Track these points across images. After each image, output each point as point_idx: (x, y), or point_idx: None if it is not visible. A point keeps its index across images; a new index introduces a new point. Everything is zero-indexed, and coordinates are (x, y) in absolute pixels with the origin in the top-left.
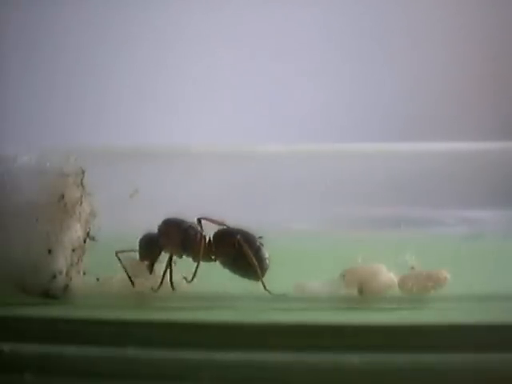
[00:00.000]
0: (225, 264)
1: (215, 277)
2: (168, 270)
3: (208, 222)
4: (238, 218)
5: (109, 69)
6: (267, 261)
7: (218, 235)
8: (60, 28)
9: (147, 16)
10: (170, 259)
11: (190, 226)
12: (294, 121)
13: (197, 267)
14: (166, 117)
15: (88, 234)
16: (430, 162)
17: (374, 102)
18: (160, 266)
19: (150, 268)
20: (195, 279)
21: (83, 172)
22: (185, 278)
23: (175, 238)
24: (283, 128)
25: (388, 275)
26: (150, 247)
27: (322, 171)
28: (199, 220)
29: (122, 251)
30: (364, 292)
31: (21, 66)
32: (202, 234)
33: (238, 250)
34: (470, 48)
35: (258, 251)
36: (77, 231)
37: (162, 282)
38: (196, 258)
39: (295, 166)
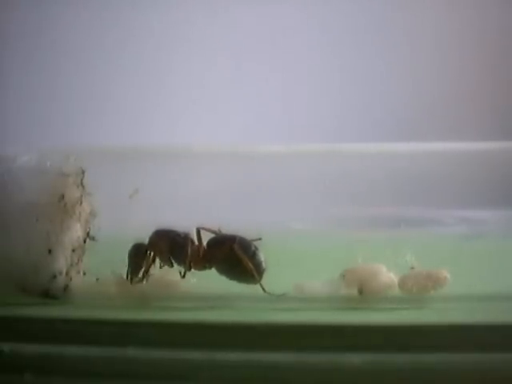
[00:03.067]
0: (221, 271)
1: (215, 277)
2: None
3: (205, 231)
4: (237, 218)
5: (109, 69)
6: (263, 264)
7: (212, 243)
8: (60, 28)
9: (148, 17)
10: (154, 257)
11: (179, 235)
12: (293, 121)
13: (185, 271)
14: (165, 117)
15: (88, 233)
16: (430, 162)
17: (374, 103)
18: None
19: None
20: (195, 279)
21: (83, 172)
22: (180, 272)
23: (165, 247)
24: (283, 128)
25: (388, 275)
26: (141, 258)
27: (322, 171)
28: (198, 230)
29: None
30: (364, 292)
31: (21, 66)
32: (193, 242)
33: (232, 256)
34: (468, 47)
35: (253, 255)
36: (77, 231)
37: (144, 275)
38: (188, 267)
39: (295, 166)
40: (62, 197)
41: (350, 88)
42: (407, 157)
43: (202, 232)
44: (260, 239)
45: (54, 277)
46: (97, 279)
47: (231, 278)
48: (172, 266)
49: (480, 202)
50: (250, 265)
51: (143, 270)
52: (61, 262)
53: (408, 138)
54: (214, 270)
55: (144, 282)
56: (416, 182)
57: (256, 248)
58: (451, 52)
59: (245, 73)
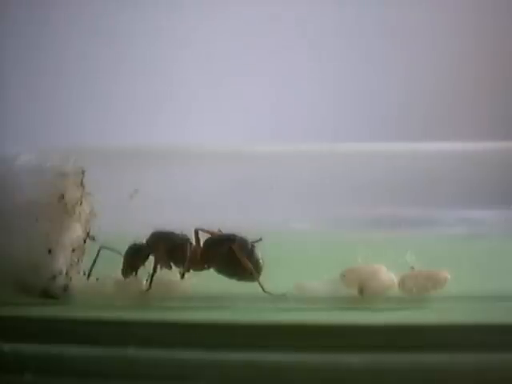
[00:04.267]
0: (220, 271)
1: (215, 277)
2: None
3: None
4: (237, 218)
5: (109, 69)
6: (261, 261)
7: (209, 243)
8: (61, 27)
9: (148, 16)
10: (156, 265)
11: (178, 236)
12: (293, 121)
13: (184, 272)
14: (166, 117)
15: (88, 233)
16: (430, 161)
17: (373, 103)
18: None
19: (130, 274)
20: (195, 279)
21: (83, 172)
22: (179, 272)
23: (165, 250)
24: (283, 128)
25: (388, 275)
26: (137, 259)
27: (322, 171)
28: (196, 231)
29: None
30: (364, 292)
31: (21, 66)
32: (191, 244)
33: (231, 256)
34: (468, 47)
35: (250, 253)
36: (77, 231)
37: (151, 283)
38: (187, 268)
39: (295, 166)
40: (62, 197)
41: (349, 88)
42: (407, 157)
43: (200, 233)
44: (260, 239)
45: (54, 277)
46: (97, 279)
47: (230, 277)
48: (171, 268)
49: (480, 202)
50: (249, 264)
51: (150, 275)
52: (61, 262)
53: (408, 137)
54: (213, 270)
55: (149, 287)
56: (416, 182)
57: (253, 246)
58: (451, 52)
59: (245, 73)
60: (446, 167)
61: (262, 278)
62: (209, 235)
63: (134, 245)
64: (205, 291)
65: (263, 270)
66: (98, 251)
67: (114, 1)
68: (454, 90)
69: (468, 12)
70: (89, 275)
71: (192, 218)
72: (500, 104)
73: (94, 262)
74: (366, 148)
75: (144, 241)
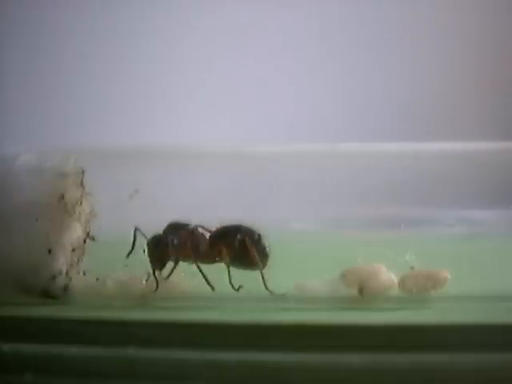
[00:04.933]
0: (229, 262)
1: (215, 277)
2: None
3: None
4: (237, 218)
5: (109, 69)
6: (267, 249)
7: (215, 235)
8: (60, 26)
9: (148, 16)
10: (176, 263)
11: (196, 228)
12: (294, 121)
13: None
14: (166, 117)
15: (88, 233)
16: (430, 161)
17: (373, 103)
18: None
19: (159, 270)
20: (195, 279)
21: (83, 172)
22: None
23: (184, 241)
24: (283, 128)
25: (388, 275)
26: (162, 251)
27: (322, 171)
28: (196, 228)
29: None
30: (364, 292)
31: (20, 66)
32: (204, 236)
33: (239, 245)
34: (468, 47)
35: (257, 242)
36: (77, 231)
37: (169, 275)
38: (195, 261)
39: (295, 166)
40: (62, 197)
41: (350, 88)
42: (407, 157)
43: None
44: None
45: (54, 277)
46: (97, 279)
47: (238, 267)
48: (186, 260)
49: (480, 202)
50: (256, 255)
51: (172, 268)
52: (61, 262)
53: (408, 138)
54: (213, 270)
55: (168, 277)
56: (416, 182)
57: (259, 235)
58: (452, 53)
59: (245, 72)
60: (447, 167)
61: None
62: (208, 234)
63: (156, 236)
64: (204, 291)
65: (266, 267)
66: (135, 233)
67: (111, 1)
68: (454, 91)
69: (469, 12)
70: (129, 254)
71: (192, 218)
72: (500, 104)
73: (133, 244)
74: (366, 148)
75: (162, 232)
